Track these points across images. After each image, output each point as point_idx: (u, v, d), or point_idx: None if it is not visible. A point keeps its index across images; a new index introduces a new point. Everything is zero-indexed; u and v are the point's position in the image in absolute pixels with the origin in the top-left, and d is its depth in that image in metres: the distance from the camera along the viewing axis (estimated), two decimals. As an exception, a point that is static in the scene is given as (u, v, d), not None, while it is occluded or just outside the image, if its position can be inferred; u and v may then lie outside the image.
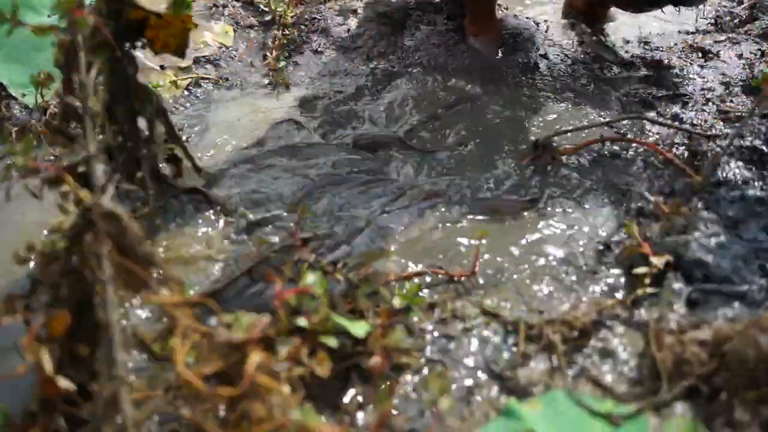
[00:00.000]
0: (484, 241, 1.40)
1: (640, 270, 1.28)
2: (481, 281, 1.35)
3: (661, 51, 2.30)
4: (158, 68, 2.02)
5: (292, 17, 2.28)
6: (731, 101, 2.00)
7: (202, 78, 2.03)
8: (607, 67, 2.19)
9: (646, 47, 2.34)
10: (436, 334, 1.21)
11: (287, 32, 2.22)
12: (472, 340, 1.21)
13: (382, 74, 2.11)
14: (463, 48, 2.26)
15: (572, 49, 2.29)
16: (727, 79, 2.12)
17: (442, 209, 1.56)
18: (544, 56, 2.24)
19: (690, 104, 2.01)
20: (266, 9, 2.30)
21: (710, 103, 2.00)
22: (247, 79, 2.07)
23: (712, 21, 2.51)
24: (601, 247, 1.44)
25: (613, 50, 2.29)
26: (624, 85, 2.12)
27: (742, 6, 2.60)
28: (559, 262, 1.40)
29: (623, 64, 2.21)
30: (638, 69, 2.21)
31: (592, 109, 1.98)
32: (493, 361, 1.16)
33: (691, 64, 2.23)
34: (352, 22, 2.32)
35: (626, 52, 2.29)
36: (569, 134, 1.80)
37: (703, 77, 2.15)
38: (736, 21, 2.50)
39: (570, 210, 1.57)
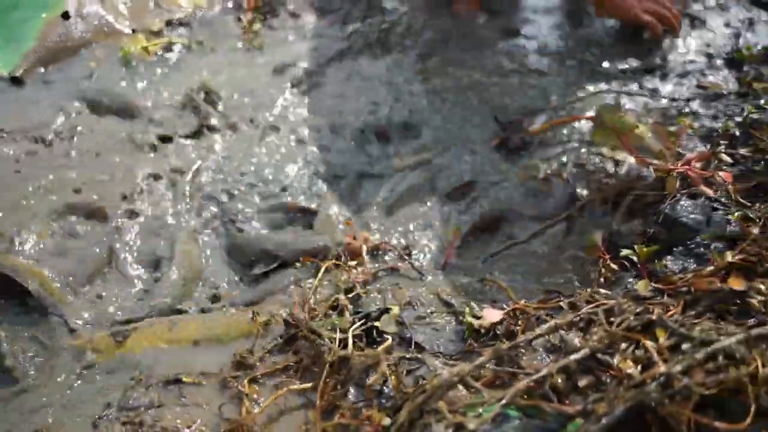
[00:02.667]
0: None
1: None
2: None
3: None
4: (129, 32, 1.98)
5: (268, -24, 2.21)
6: (711, 76, 1.97)
7: (173, 42, 1.98)
8: (592, 35, 2.14)
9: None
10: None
11: (262, -7, 2.16)
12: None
13: (357, 40, 2.06)
14: (443, 12, 2.20)
15: (557, 14, 2.23)
16: (711, 51, 2.08)
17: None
18: (527, 21, 2.18)
19: (669, 77, 1.98)
20: (241, -33, 2.22)
21: (690, 77, 1.97)
22: (220, 43, 2.03)
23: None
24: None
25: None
26: (606, 55, 2.07)
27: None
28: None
29: (608, 31, 2.16)
30: (622, 36, 2.16)
31: (571, 81, 1.95)
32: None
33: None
34: (330, -16, 2.25)
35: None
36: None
37: (687, 48, 2.10)
38: (728, -18, 2.42)
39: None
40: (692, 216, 1.26)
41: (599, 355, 1.00)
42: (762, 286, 1.00)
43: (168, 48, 1.97)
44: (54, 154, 1.60)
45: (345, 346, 1.14)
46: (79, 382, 1.17)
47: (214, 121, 1.75)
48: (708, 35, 2.16)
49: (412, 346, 1.19)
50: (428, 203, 1.57)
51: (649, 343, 0.97)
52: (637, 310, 1.07)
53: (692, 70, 2.00)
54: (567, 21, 2.21)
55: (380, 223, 1.52)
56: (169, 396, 1.15)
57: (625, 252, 1.14)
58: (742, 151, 1.37)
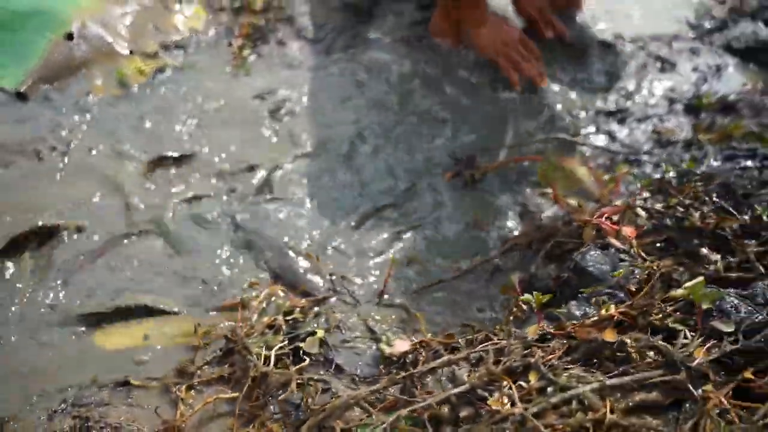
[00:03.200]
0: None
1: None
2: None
3: (622, 56, 2.34)
4: (127, 53, 2.15)
5: (261, 3, 2.37)
6: (669, 122, 2.07)
7: (167, 65, 2.15)
8: (566, 71, 2.25)
9: (608, 51, 2.38)
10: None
11: (253, 21, 2.32)
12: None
13: (338, 70, 2.21)
14: (426, 44, 2.34)
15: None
16: (674, 95, 2.18)
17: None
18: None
19: (628, 121, 2.08)
20: (236, -6, 2.38)
21: (648, 121, 2.08)
22: (210, 67, 2.19)
23: (689, 22, 2.50)
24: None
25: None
26: (576, 95, 2.18)
27: (723, 6, 2.59)
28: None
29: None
30: (595, 76, 2.27)
31: (530, 120, 2.07)
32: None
33: (645, 74, 2.28)
34: (318, 12, 2.39)
35: (587, 54, 2.33)
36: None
37: (652, 91, 2.21)
38: (707, 25, 2.50)
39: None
40: (599, 266, 1.38)
41: (479, 391, 1.13)
42: (628, 340, 1.12)
43: (161, 69, 2.13)
44: (43, 169, 1.78)
45: (270, 363, 1.30)
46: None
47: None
48: (675, 79, 2.25)
49: (332, 367, 1.35)
50: (376, 233, 1.72)
51: (516, 384, 1.10)
52: (524, 353, 1.20)
53: (652, 115, 2.10)
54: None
55: (329, 251, 1.67)
56: (117, 396, 1.32)
57: (524, 297, 1.27)
58: (658, 206, 1.48)
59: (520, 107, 2.12)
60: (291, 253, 1.61)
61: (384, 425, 1.08)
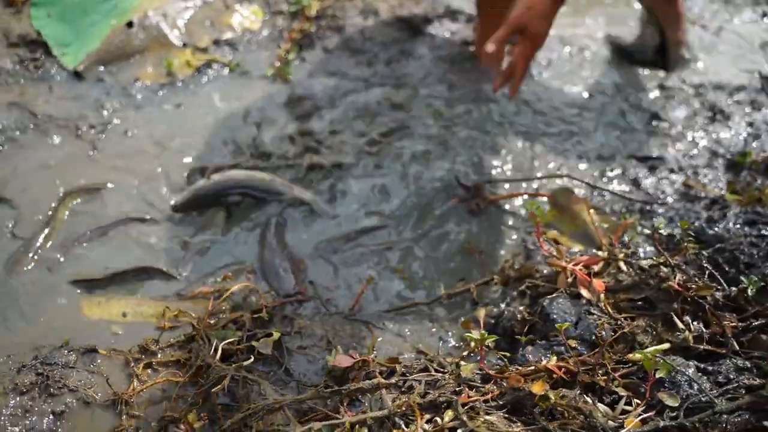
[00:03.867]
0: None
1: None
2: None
3: (673, 100, 2.24)
4: (180, 45, 2.29)
5: (316, 11, 2.44)
6: (704, 176, 1.96)
7: (215, 60, 2.27)
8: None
9: (661, 92, 2.28)
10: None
11: (305, 26, 2.39)
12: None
13: (375, 81, 2.24)
14: (467, 66, 2.33)
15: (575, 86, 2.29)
16: (719, 148, 2.06)
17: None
18: (543, 87, 2.26)
19: (659, 169, 1.99)
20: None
21: (682, 173, 1.97)
22: (254, 68, 2.28)
23: (762, 74, 2.34)
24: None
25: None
26: (612, 134, 2.11)
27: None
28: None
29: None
30: (638, 116, 2.18)
31: (556, 154, 2.02)
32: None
33: (694, 122, 2.17)
34: (370, 23, 2.44)
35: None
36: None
37: (696, 141, 2.10)
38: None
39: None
40: (564, 314, 1.34)
41: (397, 419, 1.13)
42: (552, 396, 1.09)
43: (208, 65, 2.25)
44: (78, 145, 1.92)
45: (216, 355, 1.35)
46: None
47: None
48: (725, 131, 2.13)
49: (281, 370, 1.38)
50: (368, 246, 1.74)
51: (433, 419, 1.09)
52: (456, 389, 1.19)
53: (687, 166, 2.00)
54: (580, 89, 2.26)
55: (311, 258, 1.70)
56: (83, 362, 1.41)
57: (469, 335, 1.25)
58: (643, 262, 1.41)
59: (547, 139, 2.07)
60: (277, 252, 1.66)
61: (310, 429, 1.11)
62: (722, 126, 2.16)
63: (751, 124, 2.16)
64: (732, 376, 1.17)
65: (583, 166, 1.99)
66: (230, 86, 2.21)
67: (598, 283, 1.32)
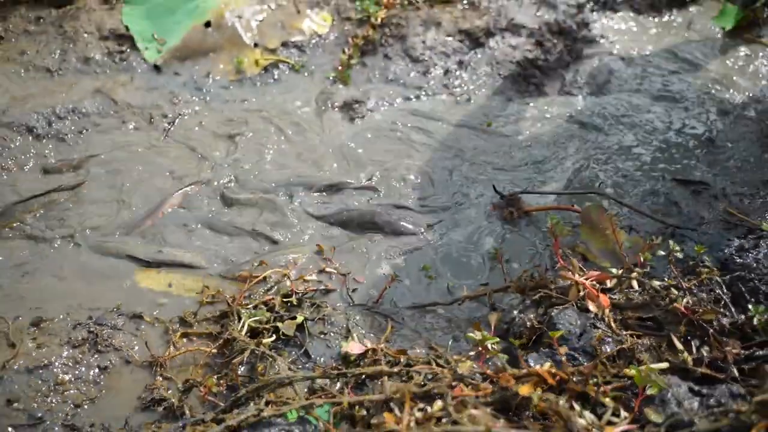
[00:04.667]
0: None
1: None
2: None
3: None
4: (251, 45, 2.46)
5: (381, 19, 2.55)
6: (753, 203, 1.93)
7: (282, 61, 2.42)
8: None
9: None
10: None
11: (369, 33, 2.51)
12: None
13: (429, 91, 2.33)
14: (523, 84, 2.39)
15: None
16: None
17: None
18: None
19: (704, 195, 1.97)
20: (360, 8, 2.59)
21: (726, 199, 1.95)
22: (317, 70, 2.42)
23: None
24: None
25: None
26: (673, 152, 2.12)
27: None
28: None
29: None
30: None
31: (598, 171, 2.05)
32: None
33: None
34: (431, 33, 2.53)
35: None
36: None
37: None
38: None
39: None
40: (570, 326, 1.39)
41: (392, 404, 1.22)
42: (535, 398, 1.14)
43: (275, 65, 2.41)
44: (148, 131, 2.12)
45: (249, 333, 1.48)
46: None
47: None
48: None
49: (301, 352, 1.50)
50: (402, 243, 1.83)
51: (424, 407, 1.17)
52: (452, 383, 1.26)
53: (734, 194, 1.97)
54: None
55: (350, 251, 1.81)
56: (129, 325, 1.58)
57: (470, 335, 1.31)
58: (656, 283, 1.44)
59: (595, 155, 2.10)
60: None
61: (300, 406, 1.22)
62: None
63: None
64: (723, 401, 1.19)
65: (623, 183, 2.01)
66: (293, 86, 2.35)
67: (604, 299, 1.36)
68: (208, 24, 2.43)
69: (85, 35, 2.38)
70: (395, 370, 1.31)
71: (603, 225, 1.76)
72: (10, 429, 1.32)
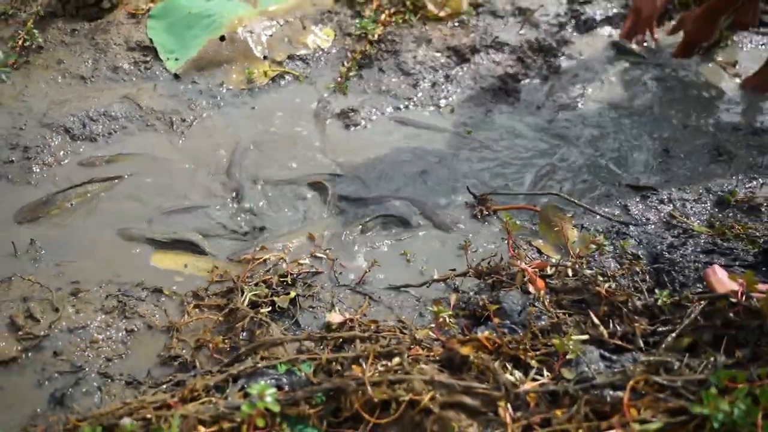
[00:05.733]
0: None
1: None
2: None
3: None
4: (261, 58, 2.76)
5: (378, 35, 2.85)
6: (691, 209, 2.21)
7: (288, 72, 2.73)
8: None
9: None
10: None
11: (366, 48, 2.81)
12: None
13: (417, 101, 2.63)
14: (504, 97, 2.68)
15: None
16: (715, 187, 2.30)
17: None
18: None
19: (651, 200, 2.25)
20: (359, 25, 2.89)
21: (671, 204, 2.23)
22: (319, 81, 2.72)
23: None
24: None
25: None
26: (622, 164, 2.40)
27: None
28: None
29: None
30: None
31: (565, 177, 2.34)
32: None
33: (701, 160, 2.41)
34: (421, 51, 2.82)
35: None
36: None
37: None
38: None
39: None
40: (512, 303, 1.68)
41: (361, 360, 1.52)
42: (472, 356, 1.44)
43: (282, 76, 2.72)
44: (169, 133, 2.43)
45: (250, 305, 1.79)
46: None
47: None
48: (727, 173, 2.36)
49: (293, 321, 1.80)
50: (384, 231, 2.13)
51: (385, 362, 1.47)
52: (410, 346, 1.56)
53: (678, 199, 2.25)
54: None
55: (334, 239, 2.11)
56: (151, 298, 1.89)
57: (430, 308, 1.61)
58: (588, 271, 1.73)
59: (560, 162, 2.38)
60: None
61: (288, 360, 1.52)
62: (725, 165, 2.39)
63: (755, 166, 2.38)
64: (627, 365, 1.48)
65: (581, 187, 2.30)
66: (296, 95, 2.66)
67: (541, 283, 1.65)
68: (222, 38, 2.74)
69: (114, 46, 2.70)
70: (366, 335, 1.61)
71: (557, 223, 2.06)
72: (56, 374, 1.64)
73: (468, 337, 1.54)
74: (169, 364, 1.71)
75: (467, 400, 1.39)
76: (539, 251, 2.05)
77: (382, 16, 2.91)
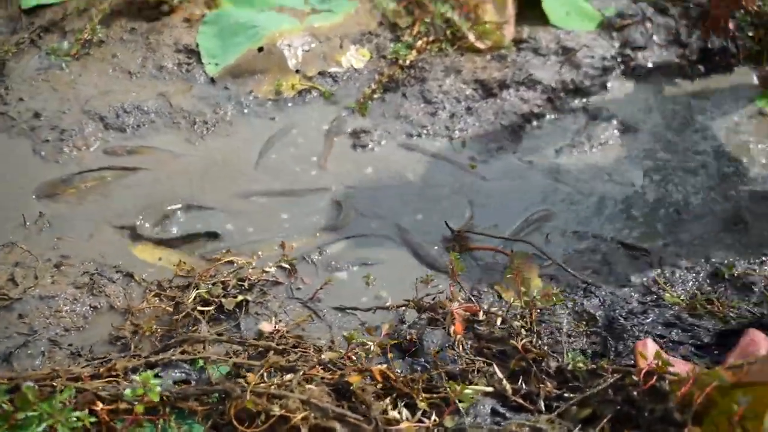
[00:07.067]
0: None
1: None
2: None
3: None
4: (294, 71, 2.89)
5: (410, 61, 2.90)
6: (676, 284, 2.08)
7: (315, 87, 2.84)
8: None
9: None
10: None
11: (395, 72, 2.86)
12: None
13: (432, 131, 2.66)
14: (519, 132, 2.65)
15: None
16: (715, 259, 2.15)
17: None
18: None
19: (639, 260, 2.14)
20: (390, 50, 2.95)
21: (658, 267, 2.12)
22: (343, 100, 2.81)
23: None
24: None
25: None
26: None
27: None
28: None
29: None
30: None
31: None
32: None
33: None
34: (448, 81, 2.84)
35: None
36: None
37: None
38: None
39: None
40: (432, 343, 1.69)
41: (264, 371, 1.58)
42: (355, 386, 1.46)
43: (309, 90, 2.83)
44: (188, 132, 2.61)
45: (201, 302, 1.90)
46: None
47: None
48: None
49: (234, 324, 1.89)
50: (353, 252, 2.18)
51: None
52: (313, 365, 1.61)
53: (668, 264, 2.13)
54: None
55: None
56: (122, 281, 2.05)
57: (348, 335, 1.65)
58: (516, 323, 1.69)
59: (557, 208, 2.33)
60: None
61: (201, 357, 1.62)
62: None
63: None
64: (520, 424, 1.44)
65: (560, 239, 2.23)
66: (317, 110, 2.76)
67: (459, 327, 1.64)
68: (261, 49, 2.90)
69: (164, 47, 2.93)
70: (279, 347, 1.67)
71: (519, 270, 2.01)
72: (15, 334, 1.83)
73: (367, 367, 1.56)
74: (113, 344, 1.85)
75: (338, 426, 1.42)
76: (499, 296, 2.02)
77: (419, 43, 2.95)
